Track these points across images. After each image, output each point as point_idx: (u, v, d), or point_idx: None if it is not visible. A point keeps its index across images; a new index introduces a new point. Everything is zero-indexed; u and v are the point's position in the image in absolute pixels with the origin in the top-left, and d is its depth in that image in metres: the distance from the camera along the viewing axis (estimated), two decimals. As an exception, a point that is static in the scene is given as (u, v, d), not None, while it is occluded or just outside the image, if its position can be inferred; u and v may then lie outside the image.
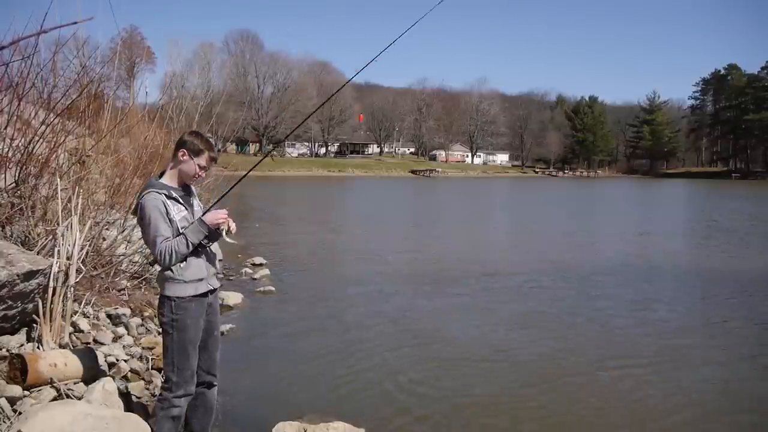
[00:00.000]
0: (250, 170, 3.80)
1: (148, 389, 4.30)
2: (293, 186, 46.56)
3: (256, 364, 5.58)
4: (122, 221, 6.72)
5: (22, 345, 4.07)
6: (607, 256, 13.09)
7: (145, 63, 66.41)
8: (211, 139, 3.46)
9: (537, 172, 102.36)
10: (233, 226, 3.24)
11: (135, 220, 4.15)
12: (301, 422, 4.02)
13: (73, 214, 4.64)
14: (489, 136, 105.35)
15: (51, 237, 4.92)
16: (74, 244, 4.44)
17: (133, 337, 5.17)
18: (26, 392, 3.55)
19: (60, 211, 4.81)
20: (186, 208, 3.20)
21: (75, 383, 3.76)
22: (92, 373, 3.87)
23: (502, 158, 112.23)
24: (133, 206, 3.33)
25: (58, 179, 5.23)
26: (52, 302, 4.18)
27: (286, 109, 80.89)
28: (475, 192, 45.23)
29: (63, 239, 4.43)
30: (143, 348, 4.97)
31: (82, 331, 4.68)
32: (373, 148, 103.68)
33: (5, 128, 5.31)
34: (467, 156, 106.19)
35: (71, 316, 4.52)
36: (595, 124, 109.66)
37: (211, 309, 3.33)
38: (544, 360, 5.86)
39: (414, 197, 37.81)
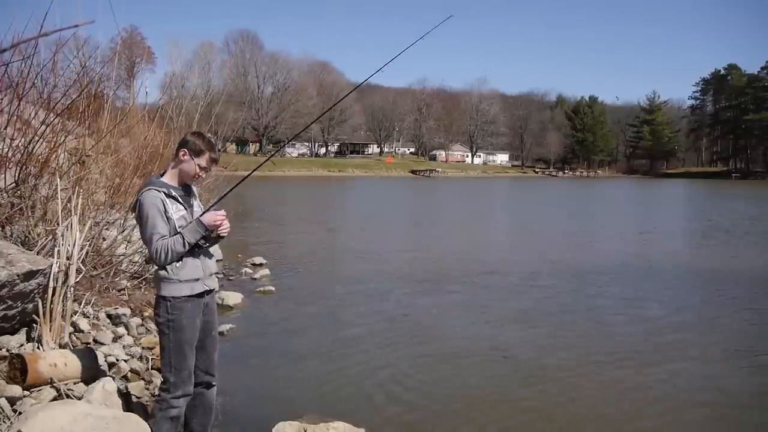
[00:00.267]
0: (251, 172, 3.74)
1: (148, 389, 4.30)
2: (293, 186, 46.54)
3: (256, 364, 5.59)
4: (122, 221, 6.73)
5: (22, 345, 4.07)
6: (607, 255, 13.09)
7: (145, 63, 66.52)
8: (213, 141, 3.45)
9: (537, 172, 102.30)
10: (225, 228, 3.22)
11: (135, 220, 4.14)
12: (301, 422, 4.01)
13: (72, 214, 4.65)
14: (489, 136, 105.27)
15: (51, 237, 4.92)
16: (74, 244, 4.44)
17: (133, 337, 5.18)
18: (26, 392, 3.55)
19: (60, 211, 4.81)
20: (185, 208, 3.19)
21: (75, 383, 3.76)
22: (92, 373, 3.87)
23: (502, 158, 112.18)
24: (132, 203, 3.33)
25: (58, 179, 5.23)
26: (52, 302, 4.18)
27: (286, 109, 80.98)
28: (475, 192, 45.22)
29: (63, 239, 4.43)
30: (143, 348, 4.98)
31: (82, 331, 4.69)
32: (373, 148, 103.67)
33: (5, 128, 5.31)
34: (467, 156, 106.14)
35: (71, 316, 4.52)
36: (595, 124, 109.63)
37: (208, 309, 3.32)
38: (544, 358, 5.88)
39: (414, 197, 37.80)
